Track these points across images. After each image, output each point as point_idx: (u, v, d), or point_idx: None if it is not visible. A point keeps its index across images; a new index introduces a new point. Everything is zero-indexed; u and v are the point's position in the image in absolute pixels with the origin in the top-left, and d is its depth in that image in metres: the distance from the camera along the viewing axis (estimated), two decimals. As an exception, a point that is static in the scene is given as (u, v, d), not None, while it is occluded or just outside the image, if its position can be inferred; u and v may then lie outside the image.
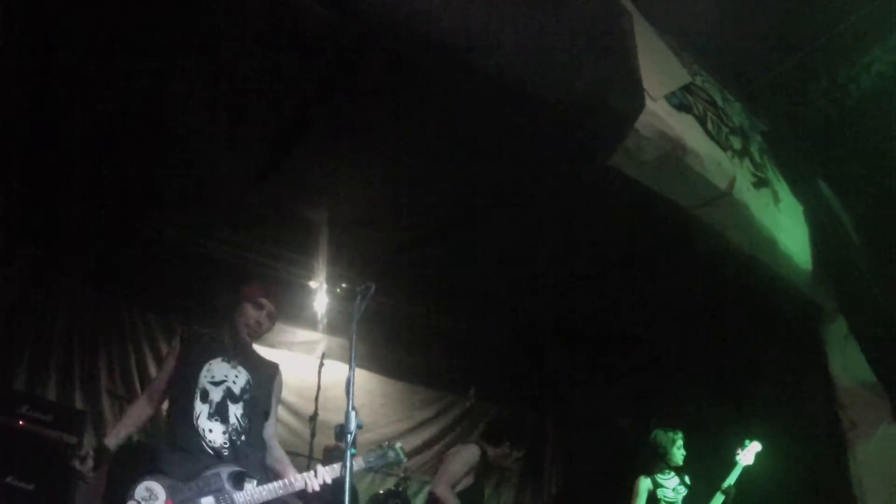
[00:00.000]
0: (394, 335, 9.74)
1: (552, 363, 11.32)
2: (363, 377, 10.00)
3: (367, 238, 8.10)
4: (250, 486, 4.70)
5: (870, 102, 7.67)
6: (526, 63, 5.36)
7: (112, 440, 4.91)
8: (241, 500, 4.59)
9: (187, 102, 6.19)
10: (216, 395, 4.96)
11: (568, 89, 5.60)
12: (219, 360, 5.12)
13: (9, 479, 6.55)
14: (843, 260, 7.92)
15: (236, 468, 4.74)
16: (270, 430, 5.30)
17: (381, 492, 8.36)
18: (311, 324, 9.42)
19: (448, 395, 10.84)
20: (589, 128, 5.87)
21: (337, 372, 8.36)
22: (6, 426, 6.75)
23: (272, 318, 5.46)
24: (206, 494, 4.52)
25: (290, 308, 9.22)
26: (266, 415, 5.25)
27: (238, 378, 5.11)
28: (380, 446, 5.18)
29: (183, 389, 4.96)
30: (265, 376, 5.34)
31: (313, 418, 7.74)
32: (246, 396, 5.08)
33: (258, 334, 5.44)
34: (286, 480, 4.79)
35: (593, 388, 11.05)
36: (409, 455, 9.68)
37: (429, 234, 7.93)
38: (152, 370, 8.67)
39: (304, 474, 4.83)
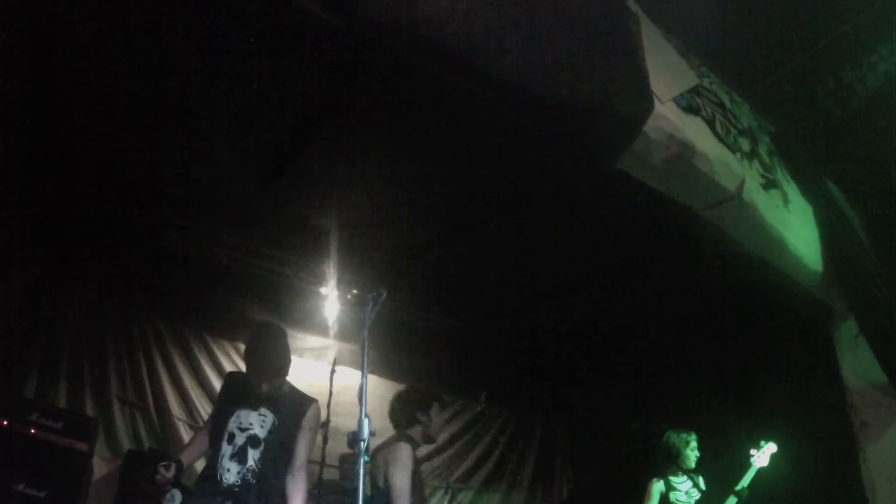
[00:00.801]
0: (404, 340, 9.72)
1: (562, 366, 11.31)
2: (373, 382, 9.92)
3: (377, 243, 8.10)
4: None
5: (876, 102, 7.69)
6: (532, 67, 5.37)
7: (185, 458, 5.34)
8: None
9: (194, 108, 6.19)
10: (240, 439, 5.29)
11: (575, 93, 5.60)
12: (246, 409, 5.39)
13: (20, 487, 6.56)
14: (852, 260, 7.93)
15: (242, 495, 5.13)
16: (298, 464, 5.43)
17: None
18: (321, 330, 9.44)
19: (459, 400, 10.82)
20: (597, 131, 5.87)
21: (348, 377, 8.35)
22: (17, 434, 6.75)
23: (276, 377, 5.45)
24: None
25: (300, 314, 9.23)
26: (290, 451, 5.40)
27: (265, 422, 5.36)
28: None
29: (216, 430, 5.37)
30: (294, 415, 5.47)
31: (325, 424, 7.71)
32: (269, 438, 5.32)
33: (272, 388, 5.42)
34: None
35: (603, 390, 11.05)
36: (421, 461, 9.69)
37: (438, 238, 7.93)
38: (163, 376, 8.69)
39: None
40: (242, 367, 5.72)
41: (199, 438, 5.54)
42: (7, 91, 5.94)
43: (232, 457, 5.21)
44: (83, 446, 7.10)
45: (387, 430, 6.34)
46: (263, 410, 5.37)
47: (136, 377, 8.65)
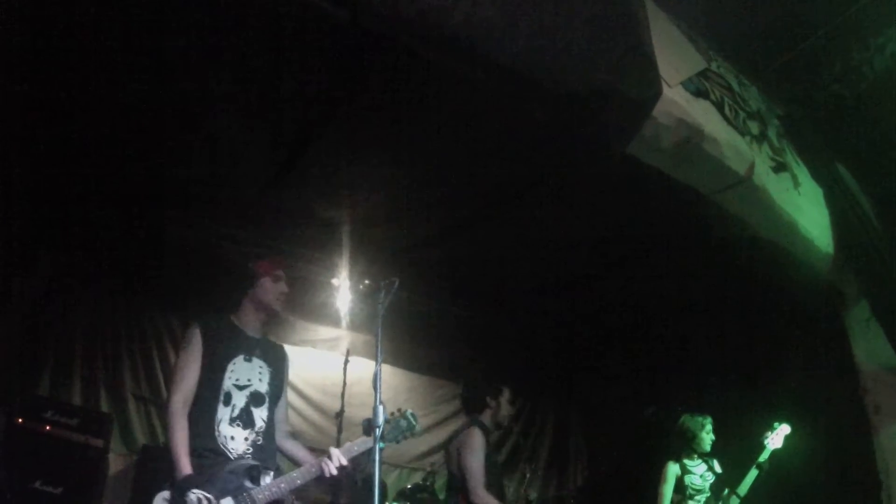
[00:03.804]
0: (417, 330, 9.75)
1: (575, 353, 11.32)
2: (387, 372, 9.91)
3: (388, 234, 8.09)
4: (267, 480, 4.67)
5: (884, 83, 7.65)
6: (540, 54, 5.35)
7: (188, 469, 4.41)
8: (262, 496, 4.49)
9: (205, 103, 6.18)
10: (240, 399, 4.84)
11: (583, 79, 5.59)
12: (241, 358, 4.97)
13: (37, 484, 6.59)
14: (864, 242, 7.89)
15: (252, 463, 4.67)
16: (282, 416, 5.19)
17: (409, 486, 8.37)
18: (334, 321, 9.48)
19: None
20: (606, 117, 5.86)
21: (361, 368, 8.37)
22: (32, 431, 6.80)
23: (287, 284, 5.34)
24: (224, 495, 4.40)
25: (312, 306, 9.26)
26: (279, 399, 5.17)
27: (262, 376, 5.01)
28: (391, 414, 4.95)
29: (205, 391, 4.78)
30: (281, 366, 5.26)
31: (339, 414, 7.73)
32: (270, 394, 5.00)
33: (285, 304, 5.33)
34: (303, 469, 4.70)
35: (616, 376, 11.05)
36: (435, 449, 9.76)
37: (449, 228, 7.93)
38: (177, 370, 8.71)
39: (321, 459, 4.70)
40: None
41: (181, 426, 4.58)
42: (23, 96, 5.96)
43: (233, 421, 4.75)
44: (99, 442, 7.15)
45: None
46: (259, 361, 5.05)
47: (150, 372, 8.69)
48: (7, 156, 6.63)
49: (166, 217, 8.07)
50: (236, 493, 4.44)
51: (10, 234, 7.25)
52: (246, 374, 4.93)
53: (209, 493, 4.30)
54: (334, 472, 4.62)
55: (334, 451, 4.69)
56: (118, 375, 8.45)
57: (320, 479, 4.69)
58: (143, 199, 7.78)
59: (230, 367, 4.89)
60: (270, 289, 5.21)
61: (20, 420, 6.75)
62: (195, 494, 4.25)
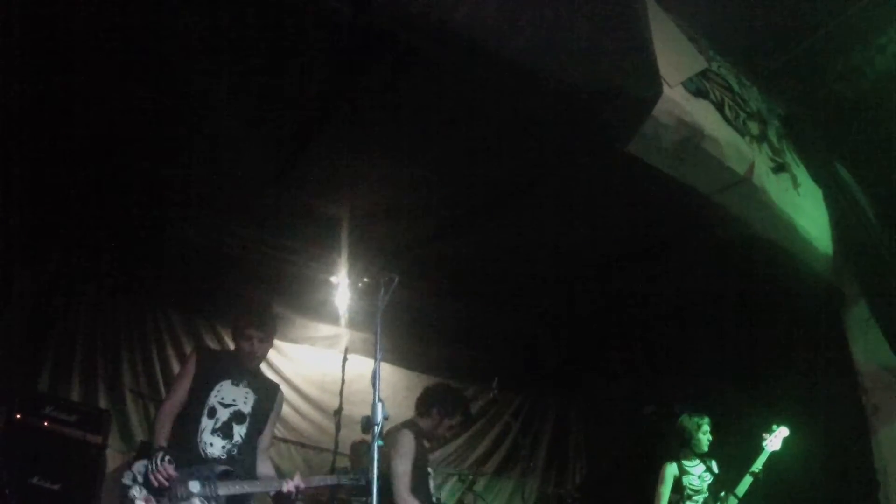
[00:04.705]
0: (416, 328, 9.76)
1: (575, 352, 11.31)
2: (386, 370, 9.88)
3: (388, 231, 8.09)
4: (233, 480, 5.18)
5: (885, 84, 7.63)
6: (542, 52, 5.35)
7: (162, 443, 5.11)
8: (224, 490, 5.00)
9: (205, 102, 6.19)
10: (223, 414, 5.36)
11: (585, 77, 5.59)
12: (228, 382, 5.51)
13: (34, 480, 6.59)
14: (863, 243, 7.88)
15: (225, 468, 5.19)
16: (265, 445, 5.68)
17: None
18: (333, 318, 9.47)
19: (471, 387, 10.75)
20: (606, 115, 5.86)
21: (360, 366, 8.34)
22: (31, 427, 6.80)
23: (266, 341, 5.71)
24: (193, 478, 4.93)
25: (312, 303, 9.26)
26: (261, 431, 5.63)
27: (247, 400, 5.53)
28: (359, 471, 5.56)
29: (192, 404, 5.34)
30: (269, 397, 5.73)
31: (338, 412, 7.71)
32: (251, 415, 5.47)
33: (260, 359, 5.79)
34: (266, 479, 5.42)
35: (616, 376, 11.06)
36: (433, 448, 9.74)
37: (449, 226, 7.92)
38: (176, 369, 8.67)
39: (284, 479, 5.28)
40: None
41: (168, 421, 5.30)
42: (29, 96, 5.96)
43: (214, 431, 5.26)
44: (97, 439, 7.15)
45: (400, 418, 6.37)
46: (245, 388, 5.52)
47: (149, 369, 8.70)
48: (8, 155, 6.63)
49: (169, 215, 8.07)
50: (204, 479, 4.98)
51: (12, 232, 7.24)
52: (231, 395, 5.47)
53: (179, 474, 4.89)
54: (292, 489, 5.19)
55: (297, 477, 5.27)
56: (117, 372, 8.47)
57: (278, 494, 5.27)
58: (145, 196, 7.77)
59: (217, 387, 5.44)
60: (240, 346, 5.63)
61: (19, 416, 6.76)
62: (160, 455, 4.88)
